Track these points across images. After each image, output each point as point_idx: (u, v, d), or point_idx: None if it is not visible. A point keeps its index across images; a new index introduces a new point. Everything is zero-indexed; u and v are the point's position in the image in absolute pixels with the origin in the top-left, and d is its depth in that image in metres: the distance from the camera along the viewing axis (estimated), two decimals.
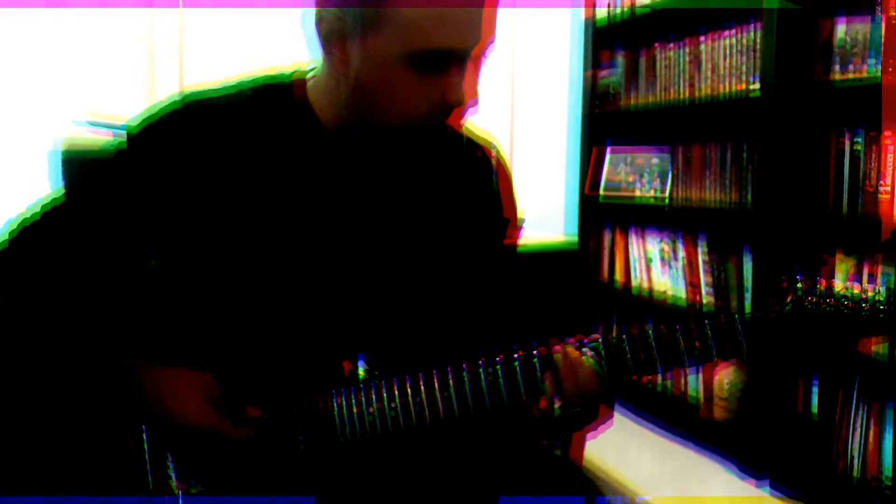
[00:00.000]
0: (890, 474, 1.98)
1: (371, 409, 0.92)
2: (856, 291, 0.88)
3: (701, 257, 2.60)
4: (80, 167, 1.20)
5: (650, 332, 0.90)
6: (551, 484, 1.06)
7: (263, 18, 2.72)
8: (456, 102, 0.89)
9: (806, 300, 0.88)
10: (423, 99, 0.88)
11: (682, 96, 2.65)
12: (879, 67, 1.95)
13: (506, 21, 3.05)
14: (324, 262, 0.97)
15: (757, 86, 2.29)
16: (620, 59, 2.93)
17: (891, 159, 1.96)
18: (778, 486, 2.18)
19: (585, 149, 3.04)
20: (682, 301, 2.67)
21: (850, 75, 2.02)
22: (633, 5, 2.81)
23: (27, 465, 0.95)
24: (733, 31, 2.43)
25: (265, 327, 0.95)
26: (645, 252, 2.84)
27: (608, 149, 3.00)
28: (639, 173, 2.87)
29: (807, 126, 2.13)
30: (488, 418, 0.97)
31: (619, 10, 2.88)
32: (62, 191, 1.01)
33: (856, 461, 2.07)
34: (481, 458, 1.03)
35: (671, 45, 2.69)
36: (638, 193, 2.86)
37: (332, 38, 0.88)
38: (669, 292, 2.74)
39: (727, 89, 2.46)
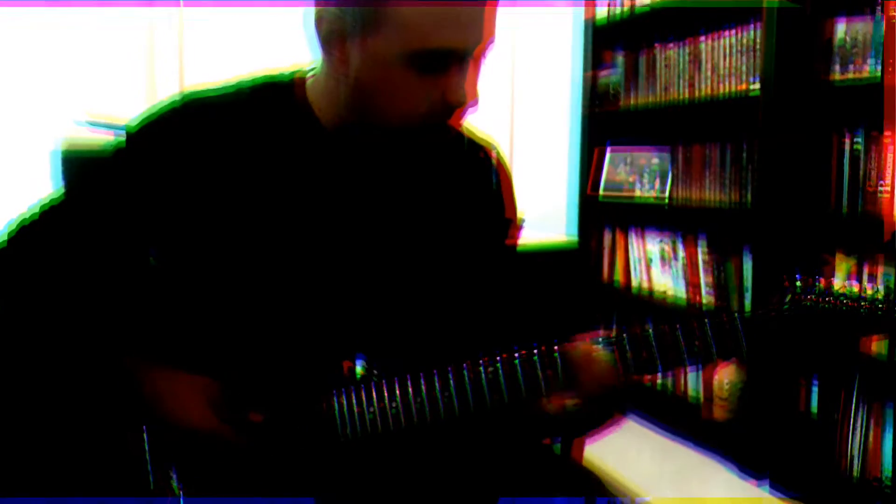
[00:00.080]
0: (889, 474, 1.98)
1: (372, 409, 0.92)
2: (854, 290, 0.88)
3: (701, 257, 2.60)
4: (79, 166, 1.20)
5: (650, 331, 0.90)
6: (551, 484, 1.06)
7: (264, 18, 2.72)
8: (457, 103, 0.88)
9: (804, 299, 0.88)
10: (423, 99, 0.88)
11: (682, 96, 2.65)
12: (879, 67, 1.95)
13: (506, 21, 3.05)
14: (323, 262, 0.97)
15: (757, 86, 2.29)
16: (620, 58, 2.93)
17: (891, 159, 1.96)
18: (778, 486, 2.18)
19: (585, 149, 3.04)
20: (682, 301, 2.67)
21: (850, 75, 2.02)
22: (633, 5, 2.81)
23: (27, 466, 0.95)
24: (733, 31, 2.43)
25: (265, 327, 0.95)
26: (645, 252, 2.84)
27: (608, 149, 3.00)
28: (639, 173, 2.87)
29: (807, 126, 2.13)
30: (497, 416, 0.97)
31: (619, 10, 2.88)
32: (61, 190, 1.01)
33: (856, 461, 2.07)
34: (482, 457, 1.03)
35: (671, 44, 2.69)
36: (638, 193, 2.86)
37: (331, 37, 0.88)
38: (669, 292, 2.74)
39: (727, 89, 2.46)
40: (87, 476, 0.94)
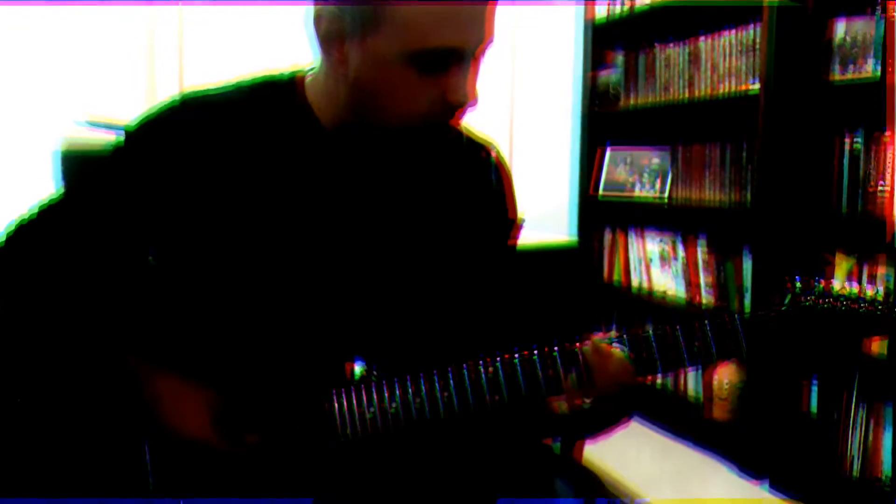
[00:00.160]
0: (889, 474, 1.98)
1: (372, 409, 0.92)
2: (854, 291, 0.88)
3: (700, 257, 2.60)
4: (78, 166, 1.20)
5: (650, 332, 0.90)
6: (551, 484, 1.06)
7: (264, 17, 2.71)
8: (458, 102, 0.88)
9: (804, 299, 0.88)
10: (424, 99, 0.87)
11: (681, 96, 2.65)
12: (879, 67, 1.95)
13: (506, 20, 3.05)
14: (323, 262, 0.96)
15: (757, 85, 2.29)
16: (620, 58, 2.93)
17: (891, 159, 1.96)
18: (778, 486, 2.18)
19: (585, 148, 3.05)
20: (682, 301, 2.67)
21: (850, 75, 2.02)
22: (632, 5, 2.81)
23: (26, 466, 0.95)
24: (733, 31, 2.43)
25: (264, 327, 0.95)
26: (645, 252, 2.84)
27: (608, 149, 3.00)
28: (639, 173, 2.87)
29: (806, 126, 2.13)
30: (504, 416, 0.97)
31: (618, 9, 2.88)
32: (61, 189, 1.00)
33: (855, 461, 2.07)
34: (481, 458, 1.03)
35: (671, 44, 2.69)
36: (638, 193, 2.86)
37: (330, 37, 0.88)
38: (669, 292, 2.74)
39: (727, 89, 2.46)
40: (87, 476, 0.94)
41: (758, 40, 2.32)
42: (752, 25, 2.35)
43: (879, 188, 1.99)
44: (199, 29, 2.69)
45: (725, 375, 2.42)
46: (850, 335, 0.88)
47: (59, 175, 1.24)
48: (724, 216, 2.53)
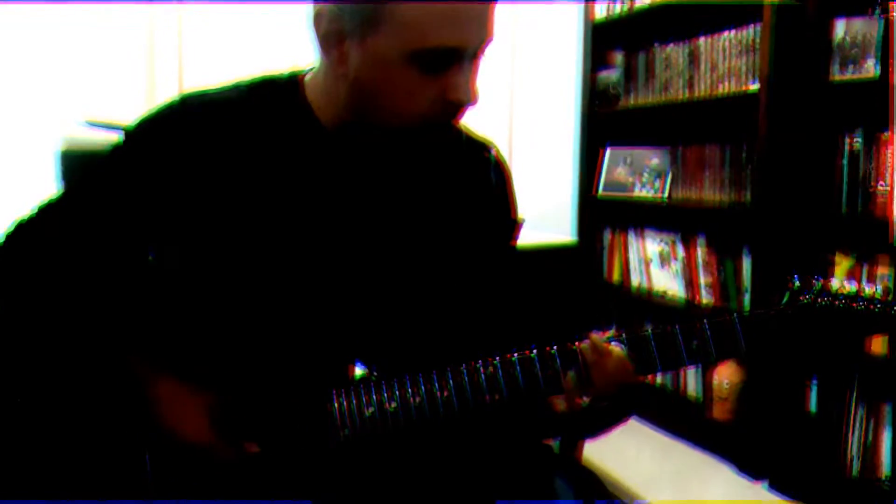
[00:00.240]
0: (889, 474, 1.98)
1: (371, 409, 0.92)
2: (853, 288, 0.88)
3: (700, 257, 2.60)
4: (77, 165, 1.20)
5: (649, 330, 0.90)
6: (550, 484, 1.06)
7: (264, 16, 2.72)
8: (460, 102, 0.87)
9: (802, 297, 0.88)
10: (425, 99, 0.87)
11: (681, 96, 2.65)
12: (879, 67, 1.95)
13: (506, 20, 3.05)
14: (323, 263, 0.96)
15: (756, 85, 2.29)
16: (620, 58, 2.93)
17: (891, 159, 1.96)
18: (777, 487, 2.18)
19: (585, 148, 3.05)
20: (681, 301, 2.67)
21: (850, 75, 2.02)
22: (632, 4, 2.81)
23: (26, 468, 0.95)
24: (733, 31, 2.43)
25: (263, 328, 0.95)
26: (644, 252, 2.84)
27: (608, 148, 3.00)
28: (638, 173, 2.87)
29: (806, 126, 2.13)
30: (505, 415, 0.97)
31: (618, 8, 2.88)
32: (60, 189, 1.00)
33: (855, 461, 2.07)
34: (481, 458, 1.03)
35: (671, 44, 2.69)
36: (637, 193, 2.86)
37: (330, 36, 0.87)
38: (669, 292, 2.74)
39: (727, 89, 2.46)
40: (86, 478, 0.94)
41: (757, 40, 2.32)
42: (751, 25, 2.35)
43: (879, 188, 1.99)
44: (199, 29, 2.69)
45: (725, 375, 2.42)
46: (849, 333, 0.88)
47: (60, 175, 1.24)
48: (723, 216, 2.53)
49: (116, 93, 2.58)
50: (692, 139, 2.66)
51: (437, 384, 0.91)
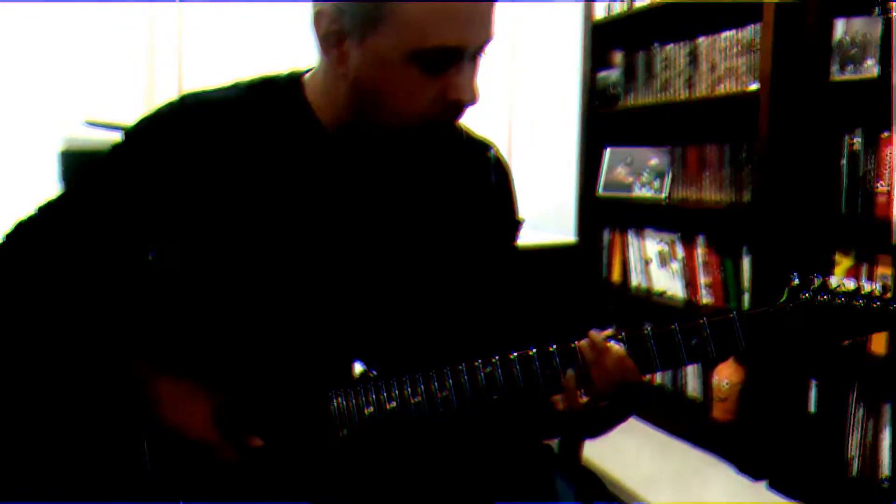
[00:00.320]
0: (889, 474, 1.98)
1: (371, 408, 0.92)
2: (851, 287, 0.88)
3: (700, 257, 2.60)
4: (78, 165, 1.20)
5: (648, 329, 0.90)
6: (551, 484, 1.06)
7: (264, 16, 2.72)
8: (461, 101, 0.87)
9: (801, 295, 0.88)
10: (425, 99, 0.87)
11: (681, 96, 2.65)
12: (879, 67, 1.95)
13: (506, 19, 3.05)
14: (324, 263, 0.96)
15: (756, 85, 2.29)
16: (619, 57, 2.93)
17: (891, 159, 1.96)
18: (777, 487, 2.18)
19: (585, 148, 3.05)
20: (681, 300, 2.67)
21: (850, 75, 2.02)
22: (631, 4, 2.81)
23: (25, 468, 0.95)
24: (733, 30, 2.43)
25: (264, 328, 0.95)
26: (644, 251, 2.84)
27: (607, 148, 3.00)
28: (638, 173, 2.87)
29: (806, 125, 2.13)
30: (505, 414, 0.97)
31: (617, 7, 2.88)
32: (60, 189, 1.00)
33: (855, 461, 2.07)
34: (480, 458, 1.03)
35: (670, 43, 2.69)
36: (637, 193, 2.86)
37: (330, 35, 0.87)
38: (668, 292, 2.74)
39: (726, 88, 2.46)
40: (86, 476, 0.94)
41: (757, 40, 2.32)
42: (751, 25, 2.36)
43: (880, 188, 1.99)
44: (199, 29, 2.69)
45: (725, 375, 2.42)
46: (848, 330, 0.88)
47: (61, 175, 1.24)
48: (723, 216, 2.53)
49: (116, 93, 2.58)
50: (692, 139, 2.66)
51: (436, 383, 0.91)
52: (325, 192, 0.96)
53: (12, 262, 0.98)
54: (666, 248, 2.74)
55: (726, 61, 2.46)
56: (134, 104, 2.56)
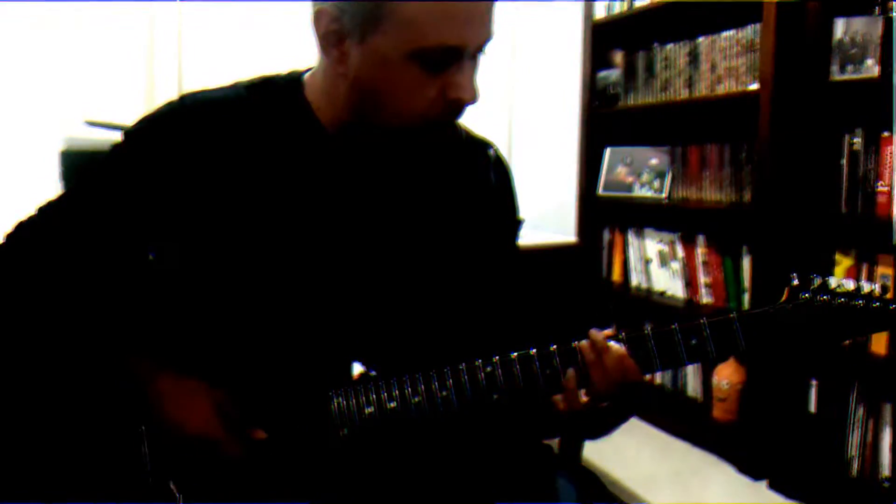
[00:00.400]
0: (889, 474, 1.98)
1: (371, 408, 0.91)
2: (851, 287, 0.88)
3: (700, 257, 2.60)
4: (78, 164, 1.20)
5: (648, 329, 0.90)
6: (552, 484, 1.06)
7: (264, 16, 2.72)
8: (465, 101, 0.87)
9: (801, 295, 0.88)
10: (425, 98, 0.87)
11: (681, 95, 2.65)
12: (879, 67, 1.95)
13: (506, 19, 3.05)
14: (324, 264, 0.96)
15: (756, 85, 2.29)
16: (619, 57, 2.93)
17: (890, 159, 1.96)
18: (777, 487, 2.18)
19: (585, 148, 3.05)
20: (681, 300, 2.68)
21: (850, 75, 2.02)
22: (631, 3, 2.81)
23: (25, 469, 0.95)
24: (733, 30, 2.43)
25: (265, 328, 0.95)
26: (644, 251, 2.84)
27: (607, 148, 3.01)
28: (638, 173, 2.87)
29: (806, 125, 2.13)
30: (506, 415, 0.97)
31: (617, 7, 2.88)
32: (61, 188, 1.00)
33: (855, 461, 2.07)
34: (482, 458, 1.03)
35: (670, 43, 2.69)
36: (637, 193, 2.86)
37: (330, 35, 0.87)
38: (668, 292, 2.74)
39: (727, 88, 2.46)
40: (85, 476, 0.94)
41: (757, 39, 2.32)
42: (751, 24, 2.36)
43: (880, 188, 1.99)
44: (199, 29, 2.69)
45: (725, 375, 2.42)
46: (848, 329, 0.88)
47: (62, 174, 1.24)
48: (723, 216, 2.53)
49: (116, 93, 2.58)
50: (692, 139, 2.66)
51: (436, 383, 0.91)
52: (325, 192, 0.96)
53: (13, 263, 0.98)
54: (666, 248, 2.74)
55: (726, 61, 2.46)
56: (134, 104, 2.56)
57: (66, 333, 0.95)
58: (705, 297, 2.59)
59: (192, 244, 0.95)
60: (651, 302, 2.76)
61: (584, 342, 0.91)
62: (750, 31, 2.37)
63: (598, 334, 0.90)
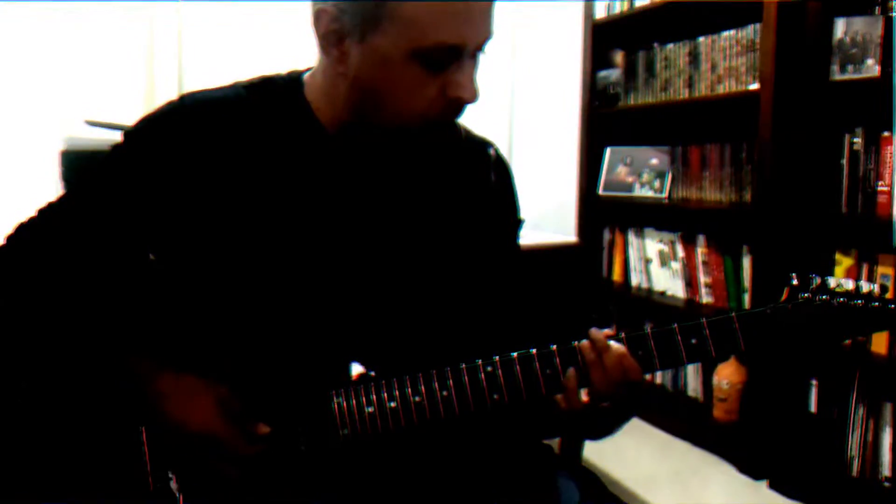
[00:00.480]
0: (889, 474, 1.98)
1: (371, 409, 0.91)
2: (850, 287, 0.88)
3: (700, 257, 2.60)
4: (78, 165, 1.20)
5: (648, 328, 0.90)
6: (552, 484, 1.06)
7: (264, 16, 2.72)
8: (465, 100, 0.87)
9: (801, 294, 0.88)
10: (425, 97, 0.87)
11: (681, 95, 2.65)
12: (879, 67, 1.95)
13: (507, 19, 3.05)
14: (325, 264, 0.96)
15: (756, 85, 2.29)
16: (620, 57, 2.93)
17: (890, 159, 1.96)
18: (777, 487, 2.18)
19: (585, 148, 3.05)
20: (681, 300, 2.67)
21: (851, 75, 2.02)
22: (632, 3, 2.81)
23: (24, 468, 0.95)
24: (733, 30, 2.43)
25: (265, 329, 0.95)
26: (644, 251, 2.84)
27: (608, 148, 3.01)
28: (638, 172, 2.87)
29: (806, 125, 2.13)
30: (507, 415, 0.97)
31: (617, 6, 2.88)
32: (61, 188, 1.00)
33: (855, 461, 2.06)
34: (483, 458, 1.03)
35: (670, 43, 2.69)
36: (637, 193, 2.86)
37: (330, 35, 0.87)
38: (669, 292, 2.74)
39: (727, 88, 2.46)
40: (85, 476, 0.94)
41: (758, 39, 2.32)
42: (751, 24, 2.36)
43: (881, 188, 1.99)
44: (200, 29, 2.69)
45: (726, 375, 2.42)
46: (847, 329, 0.88)
47: (62, 174, 1.24)
48: (724, 216, 2.53)
49: (117, 93, 2.58)
50: (692, 139, 2.66)
51: (437, 383, 0.91)
52: (325, 192, 0.96)
53: (13, 264, 0.98)
54: (666, 248, 2.74)
55: (726, 61, 2.46)
56: (134, 104, 2.56)
57: (67, 334, 0.95)
58: (705, 297, 2.59)
59: (192, 244, 0.95)
60: (651, 302, 2.76)
61: (584, 342, 0.91)
62: (750, 31, 2.36)
63: (598, 334, 0.90)
